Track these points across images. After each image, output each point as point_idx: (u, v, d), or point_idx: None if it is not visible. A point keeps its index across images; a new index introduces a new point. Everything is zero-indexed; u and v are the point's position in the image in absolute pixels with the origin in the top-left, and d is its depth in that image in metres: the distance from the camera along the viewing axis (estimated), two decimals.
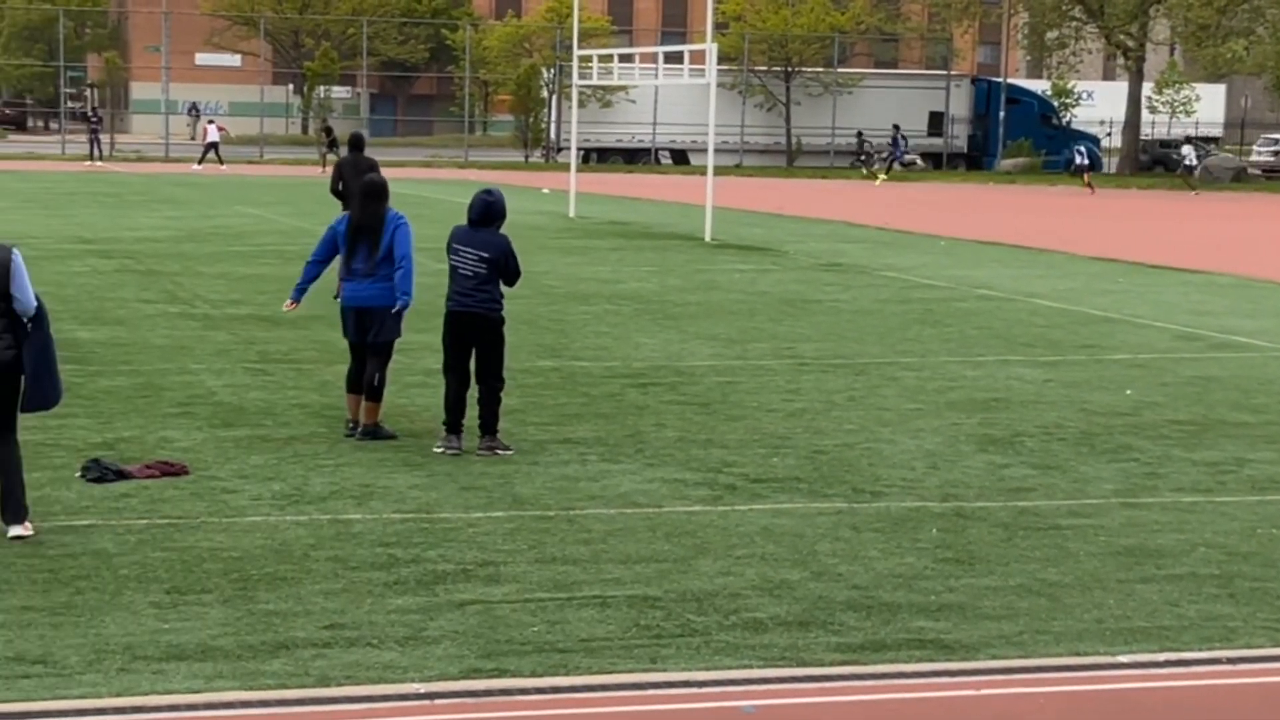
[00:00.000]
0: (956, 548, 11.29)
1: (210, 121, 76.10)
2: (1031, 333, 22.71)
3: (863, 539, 11.48)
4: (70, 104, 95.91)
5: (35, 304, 10.90)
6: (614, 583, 10.27)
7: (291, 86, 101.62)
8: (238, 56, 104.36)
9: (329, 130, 61.58)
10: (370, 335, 14.46)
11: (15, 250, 10.91)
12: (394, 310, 14.42)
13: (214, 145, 71.62)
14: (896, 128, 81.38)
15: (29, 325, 10.91)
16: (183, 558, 10.62)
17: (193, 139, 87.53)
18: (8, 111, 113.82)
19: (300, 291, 14.91)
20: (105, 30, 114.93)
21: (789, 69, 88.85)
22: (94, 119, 77.17)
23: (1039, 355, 20.51)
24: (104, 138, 77.89)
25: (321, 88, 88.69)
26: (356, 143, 25.43)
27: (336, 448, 14.10)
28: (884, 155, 79.97)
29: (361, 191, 14.68)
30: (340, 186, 24.61)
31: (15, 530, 10.96)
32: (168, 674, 8.42)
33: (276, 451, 13.90)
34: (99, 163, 72.75)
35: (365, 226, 14.44)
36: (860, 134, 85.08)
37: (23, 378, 10.99)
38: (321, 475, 13.05)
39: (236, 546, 10.92)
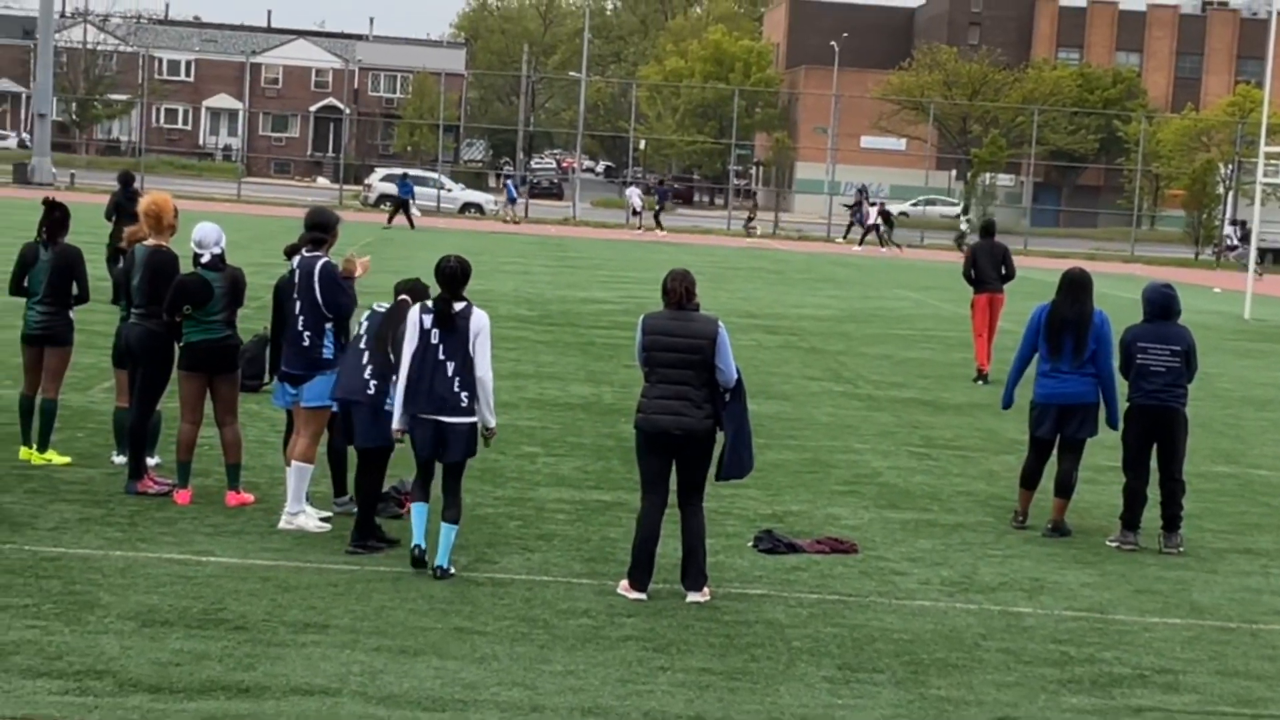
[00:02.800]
0: None
1: (872, 204, 77.37)
2: None
3: None
4: (736, 181, 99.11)
5: (737, 375, 11.17)
6: None
7: (954, 172, 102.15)
8: (903, 140, 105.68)
9: (961, 235, 62.66)
10: (1070, 431, 14.17)
11: (721, 322, 11.23)
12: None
13: (874, 228, 72.87)
14: (862, 190, 77.78)
15: (727, 396, 11.19)
16: (853, 635, 10.64)
17: (856, 220, 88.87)
18: (676, 186, 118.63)
19: (1010, 398, 14.80)
20: (775, 110, 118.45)
21: None
22: (749, 198, 79.79)
23: None
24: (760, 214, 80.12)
25: (986, 174, 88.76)
26: (988, 229, 25.89)
27: (1004, 538, 13.91)
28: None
29: (1069, 282, 14.28)
30: (972, 272, 24.99)
31: (694, 597, 11.21)
32: None
33: (944, 537, 13.81)
34: (755, 238, 74.82)
35: (1071, 321, 14.15)
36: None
37: (718, 448, 11.31)
38: (990, 565, 12.88)
39: (906, 629, 10.87)
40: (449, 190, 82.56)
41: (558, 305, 33.76)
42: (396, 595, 10.87)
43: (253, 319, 18.37)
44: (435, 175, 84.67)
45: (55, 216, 14.43)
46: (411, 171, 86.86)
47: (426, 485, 11.62)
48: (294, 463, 12.60)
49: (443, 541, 11.41)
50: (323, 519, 12.72)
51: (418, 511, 11.52)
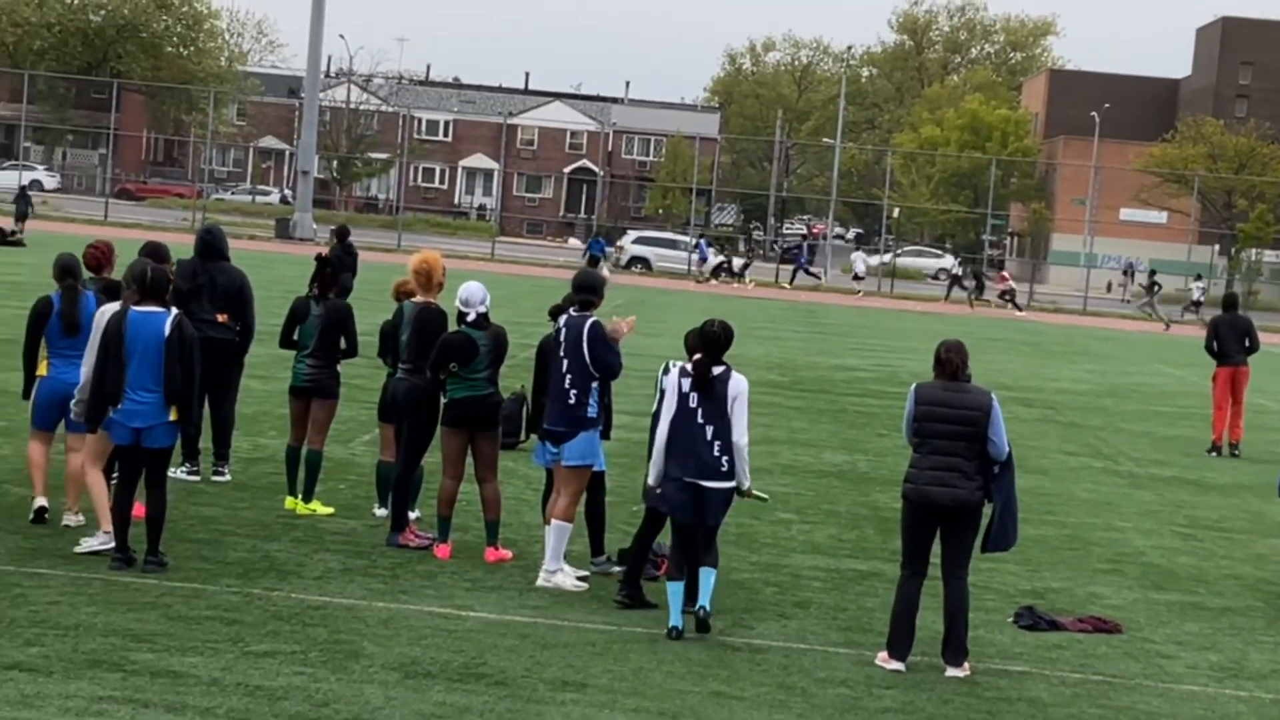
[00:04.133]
0: None
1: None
2: None
3: None
4: (989, 251, 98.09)
5: (1007, 449, 11.06)
6: None
7: (1217, 247, 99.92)
8: (1164, 214, 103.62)
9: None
10: None
11: (995, 395, 11.12)
12: None
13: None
14: (805, 236, 76.91)
15: (997, 469, 11.07)
16: (1119, 718, 10.36)
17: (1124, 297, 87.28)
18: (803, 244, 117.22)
19: None
20: (1032, 181, 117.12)
21: None
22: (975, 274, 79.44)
23: None
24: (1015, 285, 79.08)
25: (1251, 250, 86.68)
26: (1230, 302, 25.90)
27: (1275, 624, 13.48)
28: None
29: None
30: (1214, 345, 25.00)
31: (954, 671, 11.03)
32: None
33: (1211, 621, 13.42)
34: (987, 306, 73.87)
35: None
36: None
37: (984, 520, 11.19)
38: (1261, 651, 12.48)
39: (1175, 714, 10.57)
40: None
41: (809, 371, 33.62)
42: (654, 657, 10.85)
43: (507, 377, 18.52)
44: (687, 239, 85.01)
45: (326, 272, 14.73)
46: (665, 235, 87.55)
47: (683, 558, 11.60)
48: (554, 521, 12.66)
49: (703, 584, 11.43)
50: (580, 578, 12.76)
51: (674, 592, 11.49)
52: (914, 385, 11.34)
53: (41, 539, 12.67)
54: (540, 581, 12.61)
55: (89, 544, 12.45)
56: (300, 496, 14.64)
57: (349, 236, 29.07)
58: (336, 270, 14.99)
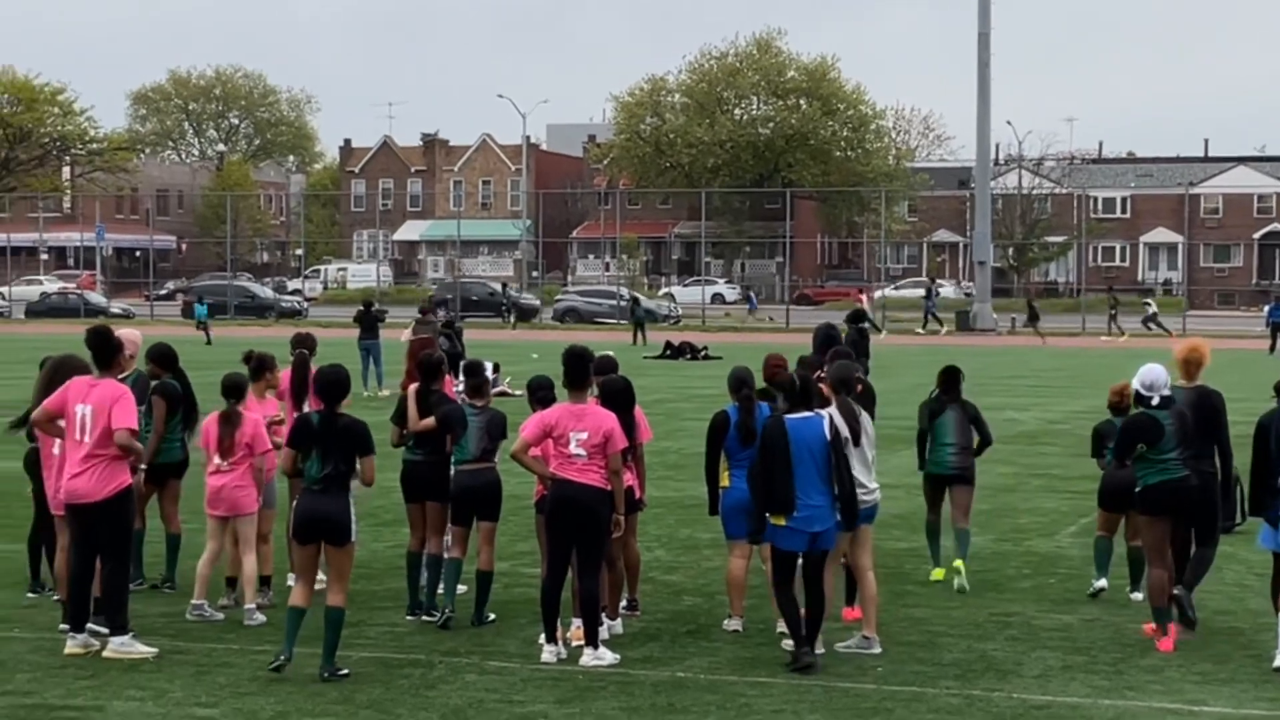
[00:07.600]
0: None
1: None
2: None
3: None
4: None
5: None
6: None
7: None
8: None
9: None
10: None
11: None
12: None
13: None
14: (933, 279, 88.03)
15: None
16: None
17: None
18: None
19: None
20: None
21: None
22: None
23: None
24: None
25: None
26: None
27: None
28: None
29: None
30: None
31: None
32: None
33: None
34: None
35: None
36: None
37: None
38: None
39: None
40: None
41: None
42: None
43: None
44: None
45: (951, 375, 15.36)
46: None
47: None
48: None
49: None
50: None
51: None
52: None
53: (759, 648, 12.78)
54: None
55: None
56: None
57: (865, 320, 30.99)
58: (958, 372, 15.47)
